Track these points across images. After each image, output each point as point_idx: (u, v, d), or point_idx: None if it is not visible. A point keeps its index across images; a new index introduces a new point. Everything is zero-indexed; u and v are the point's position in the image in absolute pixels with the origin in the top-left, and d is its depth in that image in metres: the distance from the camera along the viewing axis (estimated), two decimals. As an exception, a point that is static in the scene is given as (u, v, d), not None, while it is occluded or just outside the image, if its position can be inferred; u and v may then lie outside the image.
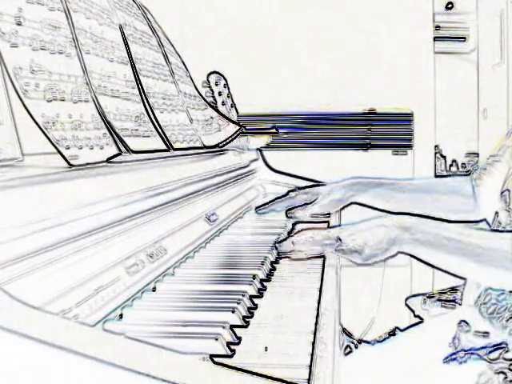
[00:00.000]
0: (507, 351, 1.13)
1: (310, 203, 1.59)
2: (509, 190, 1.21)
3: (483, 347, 1.15)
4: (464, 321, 1.21)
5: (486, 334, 1.17)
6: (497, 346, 1.14)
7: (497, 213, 1.25)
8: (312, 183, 2.06)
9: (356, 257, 1.16)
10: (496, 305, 1.19)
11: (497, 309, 1.18)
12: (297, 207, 1.61)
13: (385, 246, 1.15)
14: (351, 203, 1.57)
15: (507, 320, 1.16)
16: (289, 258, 1.22)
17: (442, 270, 1.16)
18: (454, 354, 1.17)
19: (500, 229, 1.24)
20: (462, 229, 1.15)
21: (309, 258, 1.21)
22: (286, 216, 1.62)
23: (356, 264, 1.18)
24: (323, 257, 1.23)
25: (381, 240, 1.15)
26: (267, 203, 1.66)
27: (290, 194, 1.63)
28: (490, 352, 1.14)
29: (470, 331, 1.19)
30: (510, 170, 1.24)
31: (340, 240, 1.17)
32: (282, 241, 1.24)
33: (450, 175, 2.37)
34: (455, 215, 1.45)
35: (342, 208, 1.58)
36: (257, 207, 1.69)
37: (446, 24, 2.40)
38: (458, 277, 1.19)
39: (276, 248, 1.26)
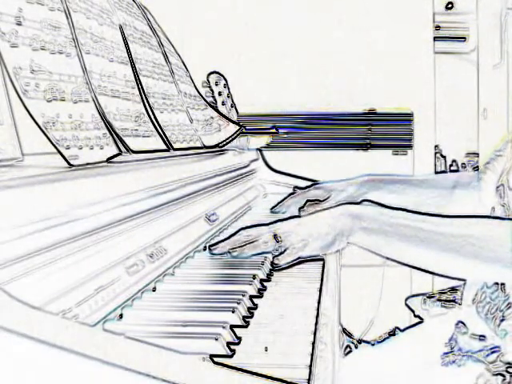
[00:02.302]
0: (504, 354, 1.13)
1: (323, 200, 1.55)
2: (503, 185, 1.20)
3: (481, 350, 1.15)
4: (461, 322, 1.21)
5: (482, 337, 1.17)
6: (494, 349, 1.14)
7: (493, 208, 1.25)
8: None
9: (300, 253, 1.12)
10: (490, 303, 1.18)
11: (490, 308, 1.18)
12: (308, 202, 1.56)
13: (330, 239, 1.10)
14: (362, 201, 1.52)
15: (498, 324, 1.15)
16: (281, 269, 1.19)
17: (397, 262, 1.10)
18: (450, 353, 1.17)
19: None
20: (416, 215, 1.09)
21: (299, 263, 1.19)
22: (299, 212, 1.58)
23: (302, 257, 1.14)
24: (322, 259, 1.23)
25: (326, 232, 1.10)
26: (281, 201, 1.64)
27: (298, 191, 1.59)
28: (488, 355, 1.14)
29: (467, 333, 1.19)
30: (507, 165, 1.24)
31: (278, 239, 1.14)
32: (216, 243, 1.20)
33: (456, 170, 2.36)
34: (467, 208, 1.41)
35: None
36: (272, 207, 1.67)
37: (446, 24, 2.40)
38: (414, 267, 1.12)
39: (210, 250, 1.22)
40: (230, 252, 1.19)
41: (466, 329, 1.19)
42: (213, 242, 1.40)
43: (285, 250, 1.14)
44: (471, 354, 1.15)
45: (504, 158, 1.27)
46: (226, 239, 1.21)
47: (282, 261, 1.14)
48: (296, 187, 1.67)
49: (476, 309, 1.23)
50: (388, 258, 1.11)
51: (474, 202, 1.40)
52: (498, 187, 1.22)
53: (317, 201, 1.56)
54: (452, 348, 1.18)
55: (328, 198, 1.54)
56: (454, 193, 1.44)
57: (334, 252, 1.13)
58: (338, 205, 1.16)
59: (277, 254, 1.15)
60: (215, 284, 1.10)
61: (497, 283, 1.18)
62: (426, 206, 1.37)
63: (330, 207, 1.14)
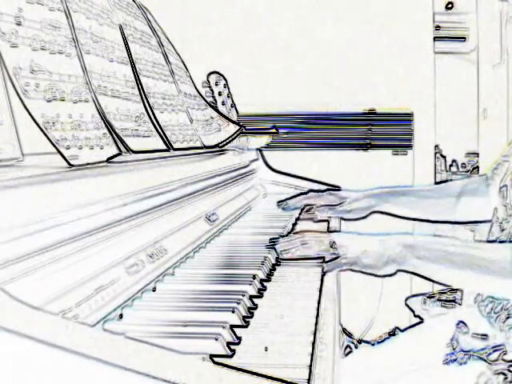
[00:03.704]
0: (506, 353, 1.13)
1: (335, 205, 1.63)
2: (506, 186, 1.21)
3: (483, 349, 1.15)
4: (462, 322, 1.21)
5: (484, 336, 1.17)
6: (496, 348, 1.14)
7: (496, 208, 1.25)
8: (313, 183, 2.07)
9: (347, 266, 1.20)
10: (493, 303, 1.19)
11: (493, 307, 1.18)
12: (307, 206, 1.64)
13: (384, 261, 1.18)
14: (373, 212, 1.60)
15: (504, 321, 1.15)
16: (288, 259, 1.24)
17: (446, 285, 1.19)
18: (453, 354, 1.17)
19: (498, 224, 1.24)
20: (465, 242, 1.18)
21: (307, 259, 1.23)
22: (280, 208, 1.66)
23: (352, 271, 1.22)
24: (323, 259, 1.24)
25: (378, 257, 1.19)
26: (291, 198, 1.68)
27: (312, 193, 1.65)
28: (490, 353, 1.14)
29: (467, 333, 1.19)
30: (510, 167, 1.24)
31: (334, 246, 1.20)
32: (276, 238, 1.29)
33: (461, 176, 2.37)
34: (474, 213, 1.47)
35: (365, 216, 1.61)
36: (279, 201, 1.71)
37: (446, 24, 2.40)
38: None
39: (271, 245, 1.29)
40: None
41: (466, 328, 1.19)
42: (213, 242, 1.40)
43: (336, 258, 1.22)
44: (473, 353, 1.15)
45: (511, 163, 1.28)
46: (287, 235, 1.35)
47: (330, 267, 1.22)
48: (311, 190, 1.73)
49: (478, 307, 1.23)
50: (440, 283, 1.22)
51: (481, 206, 1.42)
52: (500, 188, 1.23)
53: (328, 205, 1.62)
54: (454, 348, 1.18)
55: (340, 204, 1.61)
56: (473, 201, 1.47)
57: (381, 276, 1.22)
58: (392, 234, 1.24)
59: (329, 259, 1.23)
60: (215, 284, 1.10)
61: None
62: (435, 215, 1.49)
63: (383, 235, 1.22)
